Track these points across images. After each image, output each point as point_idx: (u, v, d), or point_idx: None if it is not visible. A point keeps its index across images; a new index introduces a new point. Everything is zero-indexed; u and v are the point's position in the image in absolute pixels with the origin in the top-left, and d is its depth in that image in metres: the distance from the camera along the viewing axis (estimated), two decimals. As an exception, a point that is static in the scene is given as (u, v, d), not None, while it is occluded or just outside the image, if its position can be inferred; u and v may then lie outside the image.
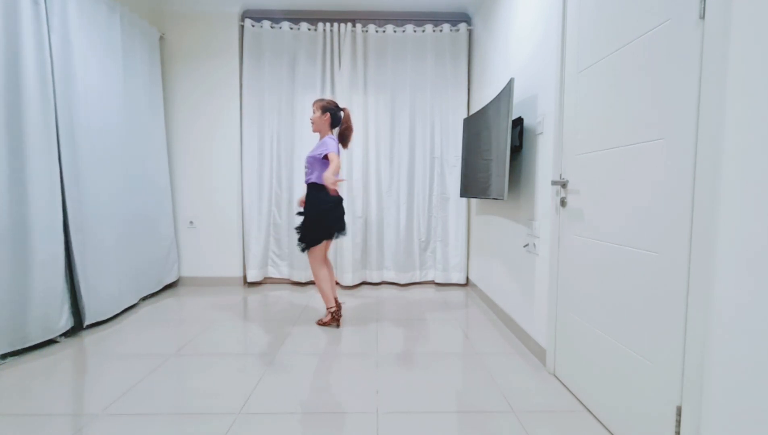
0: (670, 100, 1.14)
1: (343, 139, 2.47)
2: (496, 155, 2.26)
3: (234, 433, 1.40)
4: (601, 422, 1.46)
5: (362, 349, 2.13)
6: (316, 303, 2.96)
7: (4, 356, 1.93)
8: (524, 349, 2.13)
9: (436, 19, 3.41)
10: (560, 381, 1.76)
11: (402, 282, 3.47)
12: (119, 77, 2.67)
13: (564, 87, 1.76)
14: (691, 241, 1.06)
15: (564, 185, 1.74)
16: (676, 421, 1.10)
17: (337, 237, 2.47)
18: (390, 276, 3.49)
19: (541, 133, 2.00)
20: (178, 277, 3.41)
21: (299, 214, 2.47)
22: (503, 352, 2.09)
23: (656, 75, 1.20)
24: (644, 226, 1.24)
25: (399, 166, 3.47)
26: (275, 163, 3.44)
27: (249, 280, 3.44)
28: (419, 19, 3.42)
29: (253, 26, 3.36)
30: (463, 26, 3.38)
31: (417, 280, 3.53)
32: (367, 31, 3.39)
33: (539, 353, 1.97)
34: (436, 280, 3.53)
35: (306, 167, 2.44)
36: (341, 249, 3.40)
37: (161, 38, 3.26)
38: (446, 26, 3.38)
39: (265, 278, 3.54)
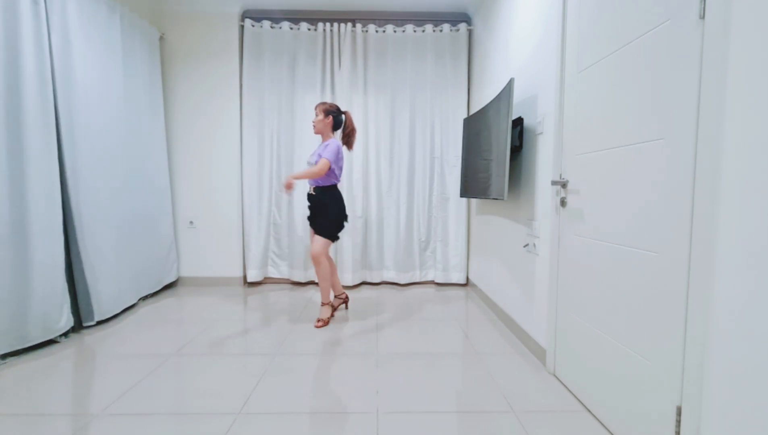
0: (670, 100, 1.14)
1: (348, 141, 2.58)
2: (496, 155, 2.26)
3: (234, 433, 1.40)
4: (601, 422, 1.46)
5: (362, 349, 2.13)
6: (317, 302, 2.96)
7: (4, 356, 1.93)
8: (524, 349, 2.13)
9: (436, 19, 3.41)
10: (560, 381, 1.77)
11: (402, 282, 3.48)
12: (119, 77, 2.67)
13: (564, 87, 1.76)
14: (691, 241, 1.06)
15: (564, 185, 1.74)
16: (676, 421, 1.10)
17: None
18: (390, 276, 3.49)
19: (541, 133, 2.00)
20: (177, 277, 3.41)
21: (311, 216, 2.58)
22: (503, 352, 2.09)
23: (656, 75, 1.20)
24: (644, 226, 1.24)
25: (399, 166, 3.47)
26: (275, 163, 3.44)
27: (249, 280, 3.44)
28: (419, 19, 3.42)
29: (253, 26, 3.36)
30: (463, 26, 3.38)
31: (417, 280, 3.53)
32: (367, 31, 3.39)
33: (539, 353, 1.97)
34: (436, 280, 3.53)
35: None
36: (341, 249, 3.41)
37: (161, 38, 3.26)
38: (446, 26, 3.38)
39: (265, 278, 3.54)
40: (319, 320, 2.50)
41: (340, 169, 2.50)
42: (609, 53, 1.43)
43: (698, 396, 1.02)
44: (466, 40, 3.40)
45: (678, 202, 1.10)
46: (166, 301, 3.02)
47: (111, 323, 2.50)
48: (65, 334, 2.23)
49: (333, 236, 2.51)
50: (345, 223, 2.58)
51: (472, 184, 2.75)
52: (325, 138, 2.54)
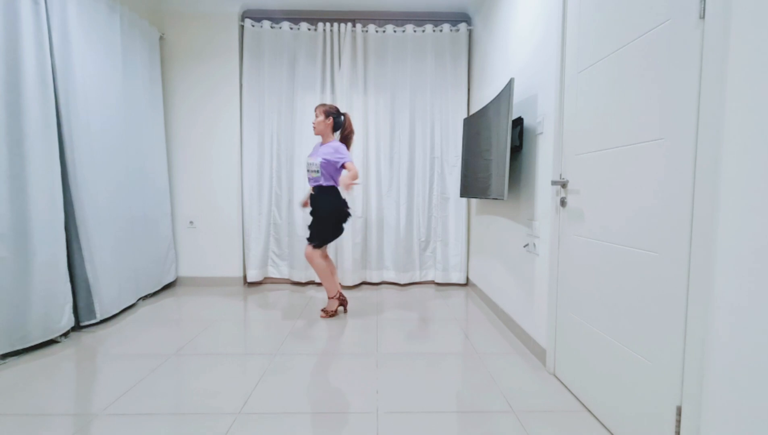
0: (670, 100, 1.14)
1: (347, 142, 2.61)
2: (496, 155, 2.26)
3: (234, 433, 1.40)
4: (601, 422, 1.46)
5: (362, 349, 2.13)
6: (317, 303, 2.96)
7: (5, 356, 1.93)
8: (524, 349, 2.13)
9: (436, 19, 3.41)
10: (560, 381, 1.77)
11: (402, 282, 3.47)
12: (119, 77, 2.67)
13: (564, 87, 1.76)
14: (691, 241, 1.06)
15: (564, 185, 1.74)
16: (676, 421, 1.10)
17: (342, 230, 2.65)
18: (390, 276, 3.49)
19: (541, 133, 2.00)
20: (176, 277, 3.41)
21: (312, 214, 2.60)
22: (503, 352, 2.09)
23: (656, 75, 1.20)
24: (644, 226, 1.24)
25: (399, 166, 3.47)
26: (275, 163, 3.44)
27: (249, 280, 3.44)
28: (419, 19, 3.42)
29: (253, 26, 3.36)
30: (463, 26, 3.38)
31: (417, 280, 3.53)
32: (367, 31, 3.39)
33: (539, 353, 1.97)
34: (436, 280, 3.53)
35: (315, 171, 2.50)
36: (341, 249, 3.41)
37: (161, 38, 3.26)
38: (446, 26, 3.38)
39: (265, 278, 3.54)
40: (324, 311, 2.59)
41: (342, 169, 2.52)
42: (609, 53, 1.43)
43: (698, 396, 1.02)
44: (466, 40, 3.40)
45: (678, 202, 1.10)
46: (166, 301, 3.02)
47: (111, 323, 2.50)
48: (65, 334, 2.23)
49: (324, 240, 2.54)
50: (343, 226, 2.59)
51: (472, 184, 2.75)
52: (325, 139, 2.57)
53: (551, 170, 1.87)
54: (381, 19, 3.41)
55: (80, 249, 2.31)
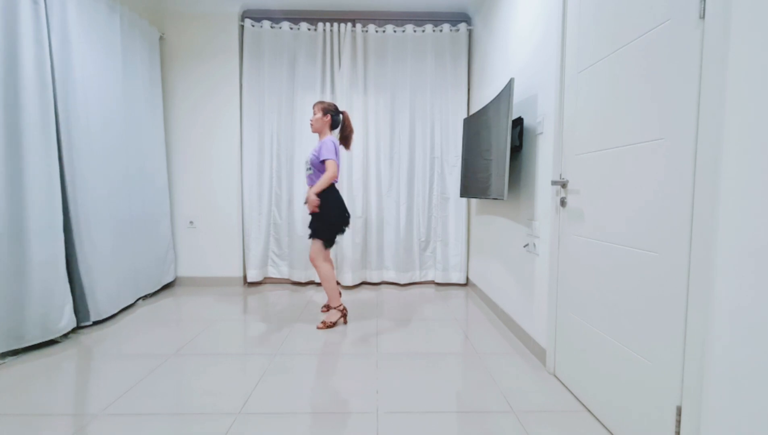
0: (669, 100, 1.14)
1: (346, 141, 2.55)
2: (496, 155, 2.26)
3: (234, 433, 1.40)
4: (601, 422, 1.46)
5: (362, 349, 2.13)
6: (317, 303, 2.96)
7: (4, 356, 1.93)
8: (524, 349, 2.13)
9: (436, 19, 3.41)
10: (560, 381, 1.77)
11: (402, 282, 3.47)
12: (119, 77, 2.67)
13: (564, 87, 1.76)
14: (691, 241, 1.06)
15: (564, 185, 1.74)
16: (676, 421, 1.10)
17: (342, 232, 2.54)
18: (390, 276, 3.49)
19: (541, 133, 2.00)
20: (174, 277, 3.41)
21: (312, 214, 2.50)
22: (503, 352, 2.09)
23: (656, 75, 1.20)
24: (644, 226, 1.24)
25: (399, 166, 3.47)
26: (275, 163, 3.44)
27: (249, 280, 3.44)
28: (419, 19, 3.42)
29: (253, 26, 3.36)
30: (463, 26, 3.38)
31: (417, 280, 3.53)
32: (367, 31, 3.39)
33: (539, 353, 1.97)
34: (436, 280, 3.53)
35: (308, 169, 2.47)
36: (341, 249, 3.41)
37: (161, 38, 3.26)
38: (446, 26, 3.38)
39: (265, 278, 3.54)
40: (323, 322, 2.44)
41: (338, 167, 2.45)
42: (609, 53, 1.43)
43: (698, 396, 1.02)
44: (466, 40, 3.40)
45: (678, 202, 1.10)
46: (165, 301, 3.02)
47: (110, 323, 2.49)
48: (65, 334, 2.22)
49: (330, 239, 2.44)
50: (345, 227, 2.50)
51: (472, 184, 2.75)
52: (322, 137, 2.49)
53: (551, 170, 1.87)
54: (381, 19, 3.41)
55: (80, 249, 2.31)
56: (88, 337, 2.28)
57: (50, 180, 2.12)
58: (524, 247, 2.20)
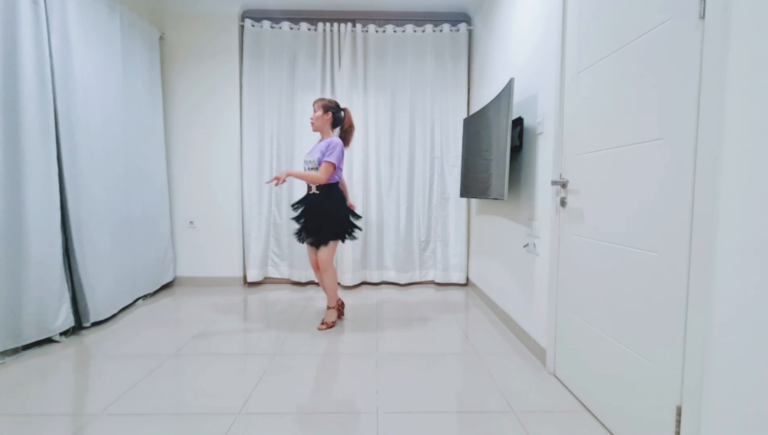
0: (670, 100, 1.14)
1: (346, 138, 2.47)
2: (496, 155, 2.26)
3: (234, 433, 1.39)
4: (601, 422, 1.46)
5: (362, 349, 2.13)
6: (317, 303, 2.96)
7: (3, 355, 1.93)
8: (524, 349, 2.13)
9: (436, 19, 3.41)
10: (560, 381, 1.76)
11: (402, 282, 3.47)
12: (119, 77, 2.67)
13: (564, 87, 1.76)
14: (691, 241, 1.06)
15: (564, 185, 1.74)
16: (676, 421, 1.10)
17: (353, 238, 2.49)
18: (390, 276, 3.49)
19: (541, 133, 2.00)
20: (174, 277, 3.41)
21: (297, 218, 2.44)
22: (503, 352, 2.09)
23: (656, 75, 1.20)
24: (644, 226, 1.24)
25: (399, 166, 3.47)
26: (275, 163, 3.44)
27: (249, 280, 3.44)
28: (419, 19, 3.42)
29: (253, 26, 3.36)
30: (463, 26, 3.38)
31: (417, 280, 3.53)
32: (367, 31, 3.39)
33: (539, 353, 1.97)
34: (436, 280, 3.53)
35: (314, 169, 2.34)
36: (341, 249, 3.40)
37: (161, 38, 3.26)
38: (446, 26, 3.38)
39: (265, 278, 3.54)
40: (323, 323, 2.44)
41: (341, 169, 2.41)
42: (609, 53, 1.42)
43: (698, 396, 1.02)
44: (466, 40, 3.40)
45: (678, 202, 1.10)
46: (164, 301, 3.02)
47: (110, 323, 2.49)
48: (65, 334, 2.22)
49: (341, 237, 2.40)
50: (357, 229, 2.47)
51: (472, 184, 2.75)
52: (324, 135, 2.42)
53: (551, 170, 1.87)
54: (381, 19, 3.41)
55: (79, 249, 2.30)
56: (88, 336, 2.27)
57: (49, 179, 2.12)
58: (524, 247, 2.20)
